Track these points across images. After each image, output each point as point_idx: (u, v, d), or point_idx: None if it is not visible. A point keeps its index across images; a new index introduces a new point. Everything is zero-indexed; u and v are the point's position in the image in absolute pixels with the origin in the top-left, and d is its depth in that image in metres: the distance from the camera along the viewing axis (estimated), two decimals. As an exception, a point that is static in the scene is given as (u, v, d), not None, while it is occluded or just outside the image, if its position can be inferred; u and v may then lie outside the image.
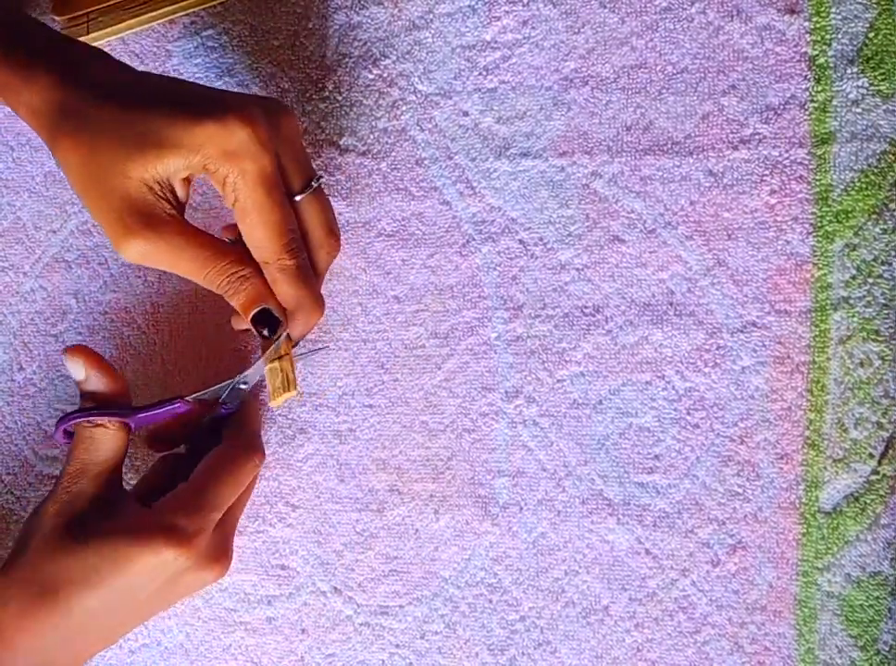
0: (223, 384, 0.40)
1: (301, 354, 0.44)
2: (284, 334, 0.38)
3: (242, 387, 0.41)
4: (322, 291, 0.39)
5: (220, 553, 0.39)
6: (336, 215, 0.40)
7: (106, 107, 0.34)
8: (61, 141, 0.35)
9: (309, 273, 0.38)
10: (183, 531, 0.36)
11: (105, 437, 0.37)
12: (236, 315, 0.39)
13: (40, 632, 0.35)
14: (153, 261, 0.35)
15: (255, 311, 0.37)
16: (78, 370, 0.38)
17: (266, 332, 0.38)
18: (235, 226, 0.37)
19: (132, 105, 0.34)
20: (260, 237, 0.36)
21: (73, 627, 0.36)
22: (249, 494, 0.43)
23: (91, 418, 0.37)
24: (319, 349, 0.44)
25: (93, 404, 0.38)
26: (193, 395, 0.40)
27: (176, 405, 0.39)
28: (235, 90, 0.46)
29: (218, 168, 0.34)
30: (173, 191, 0.35)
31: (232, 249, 0.37)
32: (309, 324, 0.39)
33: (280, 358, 0.38)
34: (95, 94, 0.34)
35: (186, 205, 0.37)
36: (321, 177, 0.38)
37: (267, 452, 0.45)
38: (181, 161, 0.34)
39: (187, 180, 0.36)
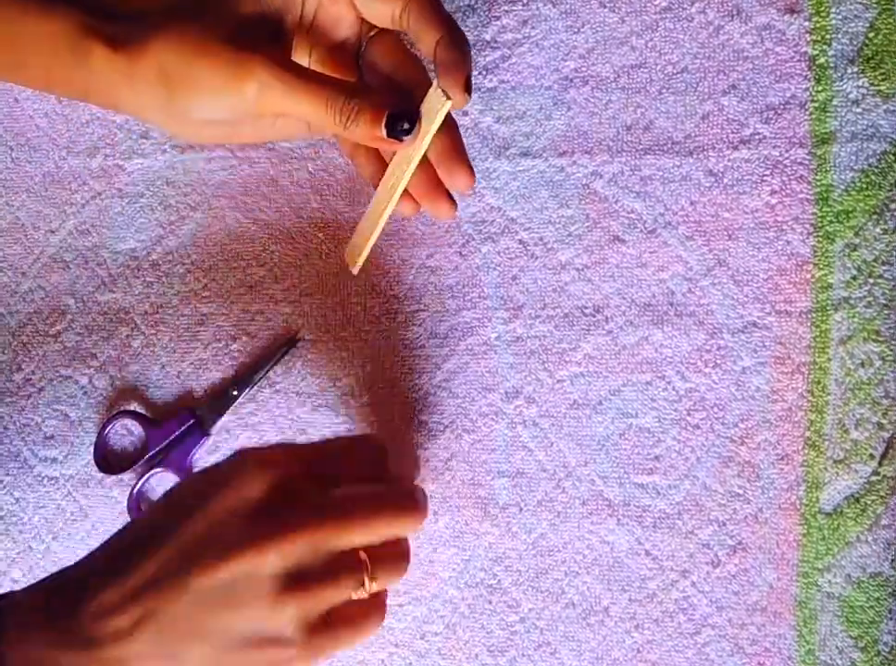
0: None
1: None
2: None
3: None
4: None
5: None
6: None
7: None
8: None
9: None
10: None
11: None
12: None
13: None
14: (272, 95, 0.34)
15: (391, 112, 0.33)
16: None
17: (406, 125, 0.34)
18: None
19: None
20: None
21: None
22: None
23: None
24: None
25: None
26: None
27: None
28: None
29: None
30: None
31: (342, 79, 0.36)
32: (462, 75, 0.33)
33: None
34: None
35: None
36: None
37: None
38: None
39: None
